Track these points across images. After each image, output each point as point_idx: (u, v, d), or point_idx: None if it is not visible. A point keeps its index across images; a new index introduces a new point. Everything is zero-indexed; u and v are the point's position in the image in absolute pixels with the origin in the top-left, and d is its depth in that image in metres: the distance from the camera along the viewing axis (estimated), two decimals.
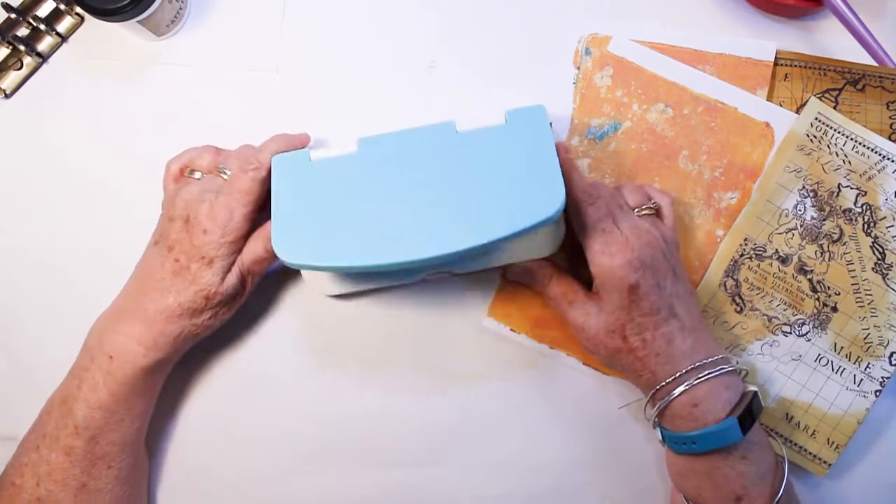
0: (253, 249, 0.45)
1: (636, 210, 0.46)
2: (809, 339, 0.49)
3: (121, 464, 0.44)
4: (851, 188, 0.50)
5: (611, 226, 0.43)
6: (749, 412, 0.41)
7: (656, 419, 0.44)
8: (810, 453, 0.49)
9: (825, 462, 0.48)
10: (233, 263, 0.45)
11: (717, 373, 0.42)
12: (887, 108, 0.51)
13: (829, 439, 0.49)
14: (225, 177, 0.46)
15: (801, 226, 0.50)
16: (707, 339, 0.44)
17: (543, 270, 0.47)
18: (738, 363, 0.50)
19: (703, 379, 0.41)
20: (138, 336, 0.43)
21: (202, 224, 0.43)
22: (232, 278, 0.44)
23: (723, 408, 0.41)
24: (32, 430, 0.44)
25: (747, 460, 0.41)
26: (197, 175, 0.46)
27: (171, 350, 0.44)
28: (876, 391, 0.48)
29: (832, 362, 0.49)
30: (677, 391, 0.42)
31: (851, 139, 0.50)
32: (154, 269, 0.44)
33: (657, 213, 0.47)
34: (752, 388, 0.43)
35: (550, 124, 0.44)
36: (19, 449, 0.44)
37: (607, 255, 0.42)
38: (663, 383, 0.42)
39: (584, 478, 0.50)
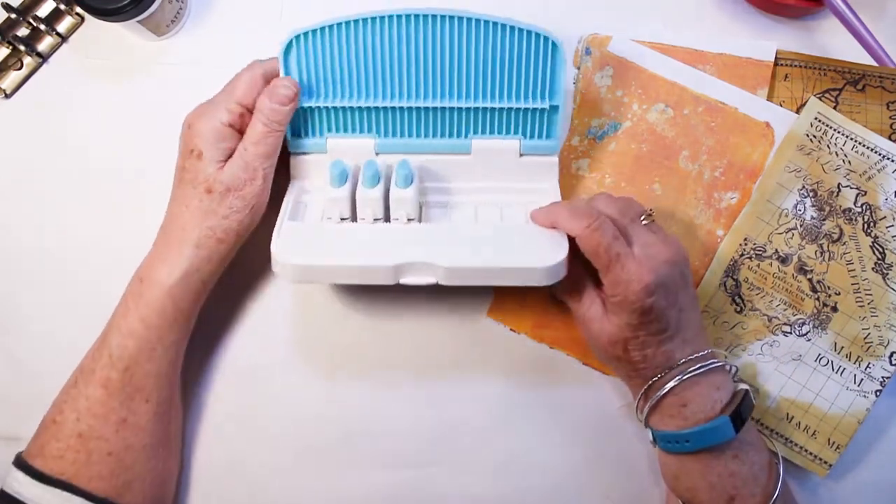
0: (251, 128, 0.44)
1: (641, 220, 0.44)
2: (809, 339, 0.49)
3: (158, 398, 0.44)
4: (851, 188, 0.50)
5: (623, 248, 0.41)
6: (740, 411, 0.41)
7: (647, 420, 0.44)
8: (811, 453, 0.49)
9: (826, 462, 0.48)
10: (230, 151, 0.44)
11: (705, 368, 0.42)
12: (887, 108, 0.51)
13: (829, 439, 0.49)
14: None
15: (800, 226, 0.50)
16: (700, 340, 0.43)
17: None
18: (725, 357, 0.50)
19: (691, 374, 0.41)
20: (162, 254, 0.44)
21: (190, 126, 0.44)
22: (232, 167, 0.43)
23: (713, 407, 0.41)
24: (72, 373, 0.44)
25: (739, 459, 0.41)
26: None
27: (194, 260, 0.43)
28: (876, 391, 0.48)
29: (832, 362, 0.49)
30: (666, 387, 0.41)
31: (851, 139, 0.50)
32: (172, 196, 0.45)
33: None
34: (744, 386, 0.43)
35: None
36: (60, 392, 0.44)
37: (622, 283, 0.41)
38: (651, 382, 0.42)
39: (583, 477, 0.50)
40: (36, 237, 0.52)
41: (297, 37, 0.44)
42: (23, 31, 0.52)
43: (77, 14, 0.53)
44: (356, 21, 0.44)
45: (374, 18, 0.44)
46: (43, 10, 0.53)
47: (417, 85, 0.46)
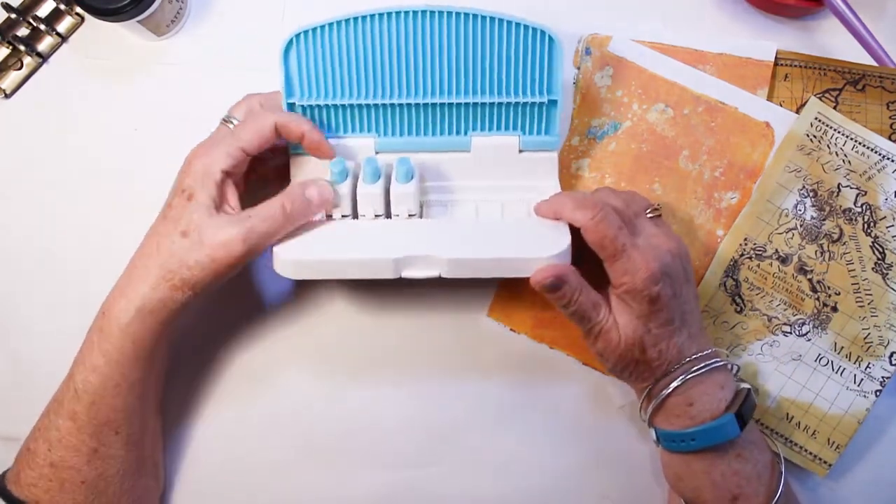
0: (270, 205, 0.42)
1: (647, 213, 0.45)
2: (809, 339, 0.49)
3: (129, 429, 0.43)
4: (851, 188, 0.50)
5: (628, 239, 0.41)
6: (743, 409, 0.41)
7: (650, 419, 0.44)
8: (811, 453, 0.49)
9: (826, 462, 0.48)
10: (223, 198, 0.42)
11: (710, 367, 0.42)
12: (887, 108, 0.51)
13: (829, 439, 0.49)
14: (229, 125, 0.45)
15: (800, 226, 0.50)
16: (703, 338, 0.44)
17: (575, 280, 0.42)
18: (727, 356, 0.50)
19: (696, 373, 0.41)
20: (123, 286, 0.41)
21: (190, 163, 0.42)
22: (225, 229, 0.40)
23: (718, 406, 0.41)
24: (51, 399, 0.44)
25: (743, 458, 0.41)
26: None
27: (147, 302, 0.40)
28: (876, 391, 0.48)
29: (832, 362, 0.49)
30: (672, 386, 0.41)
31: (851, 139, 0.50)
32: (150, 228, 0.43)
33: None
34: (745, 385, 0.43)
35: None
36: (39, 416, 0.44)
37: (629, 272, 0.41)
38: (656, 380, 0.42)
39: (583, 477, 0.50)
40: (36, 237, 0.52)
41: (298, 35, 0.44)
42: (23, 31, 0.52)
43: (77, 14, 0.53)
44: (356, 19, 0.44)
45: (373, 16, 0.44)
46: (43, 10, 0.53)
47: (416, 81, 0.46)
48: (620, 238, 0.41)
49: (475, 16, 0.44)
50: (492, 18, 0.44)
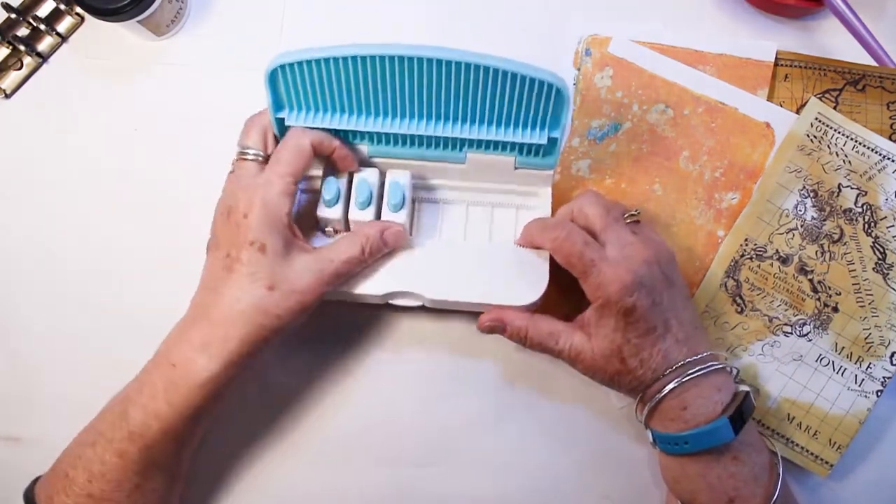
0: (347, 244, 0.43)
1: (625, 217, 0.44)
2: (810, 340, 0.49)
3: (176, 467, 0.43)
4: (852, 188, 0.50)
5: (596, 253, 0.41)
6: (740, 412, 0.41)
7: (647, 421, 0.44)
8: (812, 454, 0.49)
9: (827, 463, 0.48)
10: (291, 236, 0.42)
11: (705, 370, 0.41)
12: (887, 108, 0.51)
13: (830, 440, 0.48)
14: (249, 157, 0.43)
15: (801, 226, 0.50)
16: (697, 340, 0.43)
17: (517, 322, 0.44)
18: (727, 359, 0.49)
19: (691, 376, 0.41)
20: (202, 343, 0.40)
21: (241, 209, 0.41)
22: (307, 273, 0.41)
23: (713, 408, 0.41)
24: (92, 424, 0.42)
25: (739, 461, 0.41)
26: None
27: (236, 356, 0.40)
28: (877, 391, 0.48)
29: (833, 362, 0.49)
30: (666, 389, 0.41)
31: (851, 139, 0.50)
32: (211, 272, 0.42)
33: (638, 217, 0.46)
34: (745, 388, 0.42)
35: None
36: (77, 438, 0.42)
37: (602, 286, 0.41)
38: (646, 386, 0.42)
39: (583, 478, 0.50)
40: (36, 237, 0.52)
41: (281, 66, 0.41)
42: (23, 31, 0.53)
43: (77, 14, 0.53)
44: (343, 59, 0.40)
45: (363, 57, 0.40)
46: (43, 10, 0.53)
47: (411, 115, 0.44)
48: (587, 254, 0.41)
49: (476, 66, 0.40)
50: (495, 69, 0.40)
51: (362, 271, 0.45)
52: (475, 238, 0.48)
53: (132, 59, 0.53)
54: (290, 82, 0.42)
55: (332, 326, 0.51)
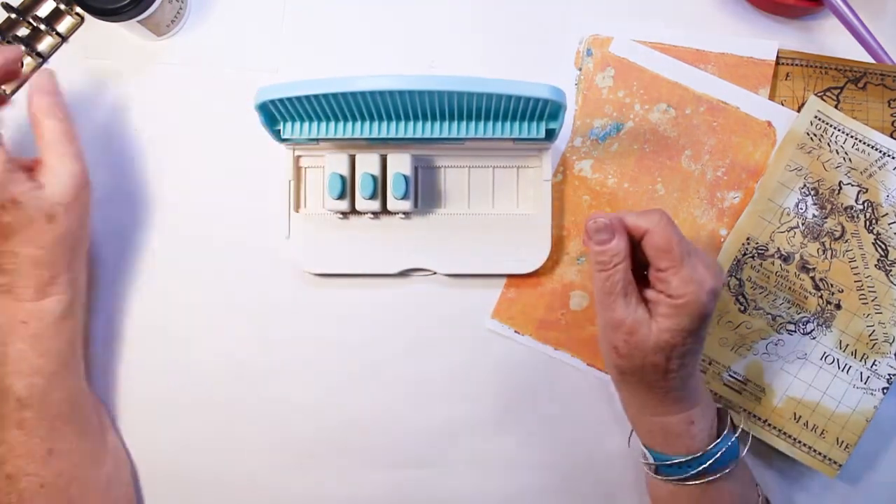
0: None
1: None
2: (814, 338, 0.49)
3: (79, 416, 0.44)
4: (852, 185, 0.50)
5: (693, 247, 0.40)
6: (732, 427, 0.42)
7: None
8: (820, 454, 0.48)
9: (835, 462, 0.48)
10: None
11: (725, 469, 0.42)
12: (889, 105, 0.51)
13: (838, 438, 0.48)
14: None
15: (802, 224, 0.50)
16: (708, 409, 0.44)
17: (621, 245, 0.41)
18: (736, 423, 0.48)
19: (716, 477, 0.41)
20: (36, 288, 0.42)
21: None
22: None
23: (713, 424, 0.41)
24: None
25: (734, 476, 0.42)
26: None
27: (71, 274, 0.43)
28: (883, 388, 0.48)
29: (838, 360, 0.49)
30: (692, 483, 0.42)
31: (851, 137, 0.50)
32: None
33: None
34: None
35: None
36: None
37: (695, 282, 0.39)
38: (665, 409, 0.42)
39: (587, 478, 0.50)
40: None
41: (270, 101, 0.41)
42: (23, 31, 0.52)
43: (77, 14, 0.53)
44: (326, 96, 0.41)
45: (354, 94, 0.41)
46: (43, 10, 0.53)
47: (406, 119, 0.46)
48: (684, 245, 0.40)
49: (470, 95, 0.41)
50: (489, 96, 0.40)
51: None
52: (478, 204, 0.50)
53: (132, 59, 0.53)
54: (279, 107, 0.43)
55: (334, 327, 0.51)
